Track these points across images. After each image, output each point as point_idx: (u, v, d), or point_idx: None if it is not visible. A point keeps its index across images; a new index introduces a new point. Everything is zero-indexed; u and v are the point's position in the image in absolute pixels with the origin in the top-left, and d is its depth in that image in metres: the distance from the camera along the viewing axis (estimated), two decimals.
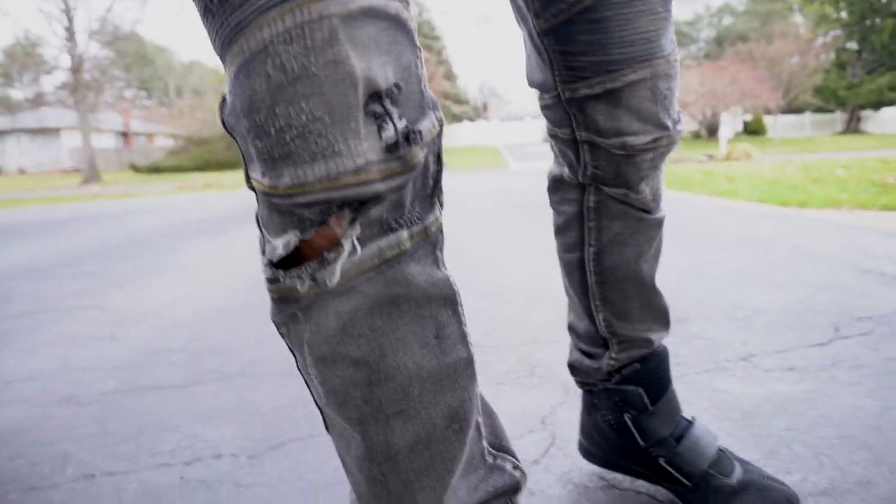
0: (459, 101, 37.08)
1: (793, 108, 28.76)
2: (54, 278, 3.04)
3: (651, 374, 0.85)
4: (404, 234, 0.44)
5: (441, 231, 0.48)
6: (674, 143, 0.75)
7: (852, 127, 28.12)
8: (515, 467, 0.57)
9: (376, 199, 0.41)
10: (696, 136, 23.73)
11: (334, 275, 0.42)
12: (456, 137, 30.50)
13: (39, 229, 5.76)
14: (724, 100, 17.06)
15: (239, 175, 18.89)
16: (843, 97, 27.37)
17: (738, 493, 0.79)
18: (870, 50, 27.45)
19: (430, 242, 0.47)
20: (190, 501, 0.94)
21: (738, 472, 0.82)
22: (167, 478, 1.02)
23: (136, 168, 24.61)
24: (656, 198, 0.80)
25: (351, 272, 0.43)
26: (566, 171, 0.80)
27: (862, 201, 4.32)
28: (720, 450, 0.84)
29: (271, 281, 0.45)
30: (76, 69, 18.84)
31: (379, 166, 0.40)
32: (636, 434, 0.84)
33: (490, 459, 0.56)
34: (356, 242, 0.42)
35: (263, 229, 0.45)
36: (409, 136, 0.41)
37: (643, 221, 0.80)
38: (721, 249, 2.86)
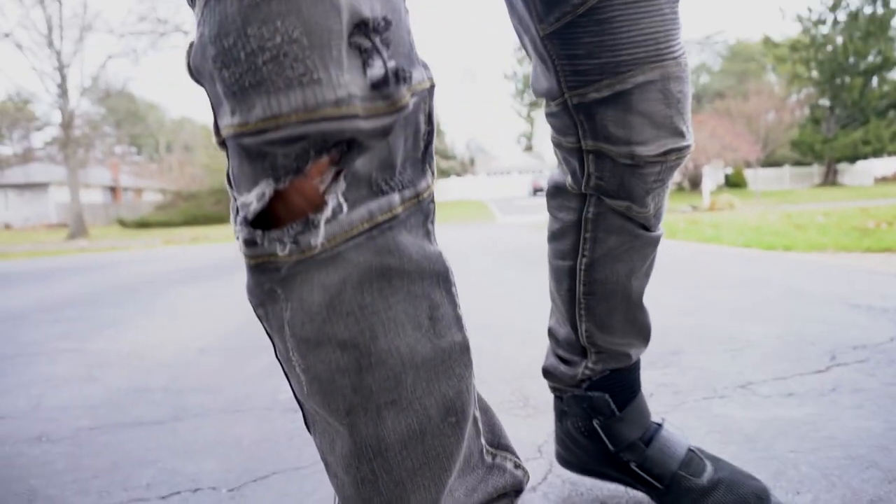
0: (447, 156, 37.72)
1: (772, 162, 29.57)
2: (34, 324, 2.96)
3: (619, 381, 0.85)
4: (396, 197, 0.41)
5: (433, 201, 0.45)
6: (684, 155, 0.71)
7: (830, 179, 28.84)
8: (517, 466, 0.53)
9: (360, 147, 0.38)
10: (679, 188, 24.19)
11: (318, 236, 0.38)
12: (444, 192, 30.86)
13: (22, 279, 5.65)
14: (706, 153, 17.47)
15: (227, 228, 18.86)
16: (820, 151, 28.16)
17: (708, 492, 0.78)
18: (842, 106, 28.43)
19: (423, 212, 0.44)
20: None
21: (709, 472, 0.81)
22: None
23: (123, 223, 24.51)
24: (658, 214, 0.78)
25: (338, 236, 0.39)
26: (569, 179, 0.78)
27: (845, 245, 4.37)
28: (691, 450, 0.83)
29: (248, 244, 0.40)
30: (67, 125, 18.99)
31: (363, 103, 0.37)
32: (606, 439, 0.84)
33: (489, 459, 0.52)
34: (342, 200, 0.38)
35: (234, 187, 0.41)
36: (398, 74, 0.38)
37: (639, 239, 0.78)
38: (711, 288, 2.85)
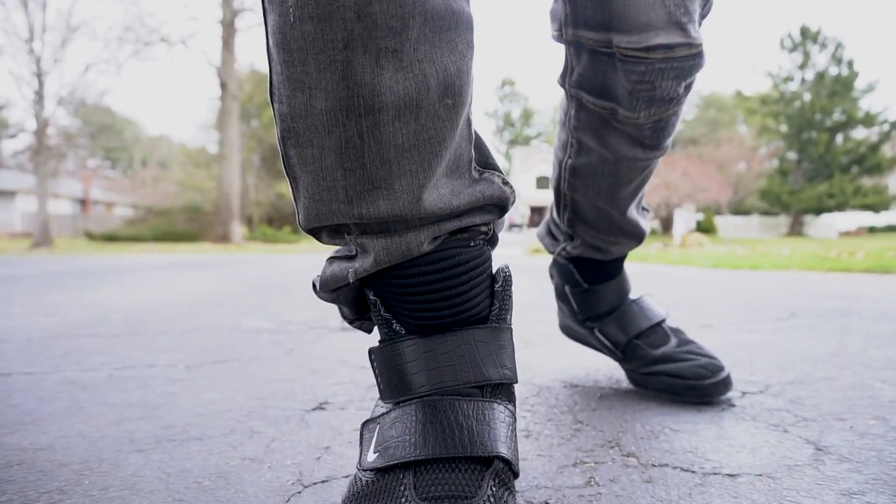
0: None
1: (741, 210, 30.35)
2: None
3: (592, 263, 0.84)
4: None
5: None
6: (677, 56, 0.60)
7: (796, 230, 29.67)
8: (505, 183, 0.49)
9: None
10: (650, 231, 24.70)
11: None
12: None
13: None
14: (678, 191, 17.91)
15: (198, 246, 18.57)
16: (787, 202, 29.02)
17: (657, 361, 0.79)
18: (808, 160, 29.47)
19: None
20: (116, 388, 0.86)
21: (668, 346, 0.80)
22: (94, 375, 0.93)
23: (91, 235, 23.93)
24: (658, 129, 0.68)
25: None
26: (559, 74, 0.73)
27: (809, 265, 4.50)
28: (660, 325, 0.82)
29: None
30: (40, 133, 18.68)
31: None
32: (574, 305, 0.86)
33: (476, 175, 0.48)
34: None
35: None
36: None
37: (626, 159, 0.71)
38: (675, 290, 2.90)
